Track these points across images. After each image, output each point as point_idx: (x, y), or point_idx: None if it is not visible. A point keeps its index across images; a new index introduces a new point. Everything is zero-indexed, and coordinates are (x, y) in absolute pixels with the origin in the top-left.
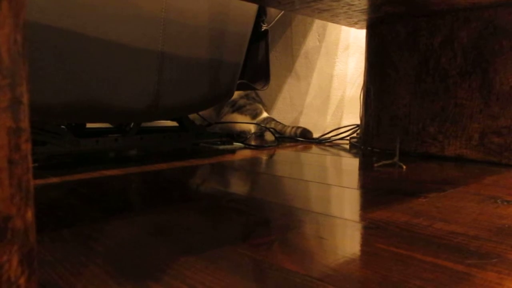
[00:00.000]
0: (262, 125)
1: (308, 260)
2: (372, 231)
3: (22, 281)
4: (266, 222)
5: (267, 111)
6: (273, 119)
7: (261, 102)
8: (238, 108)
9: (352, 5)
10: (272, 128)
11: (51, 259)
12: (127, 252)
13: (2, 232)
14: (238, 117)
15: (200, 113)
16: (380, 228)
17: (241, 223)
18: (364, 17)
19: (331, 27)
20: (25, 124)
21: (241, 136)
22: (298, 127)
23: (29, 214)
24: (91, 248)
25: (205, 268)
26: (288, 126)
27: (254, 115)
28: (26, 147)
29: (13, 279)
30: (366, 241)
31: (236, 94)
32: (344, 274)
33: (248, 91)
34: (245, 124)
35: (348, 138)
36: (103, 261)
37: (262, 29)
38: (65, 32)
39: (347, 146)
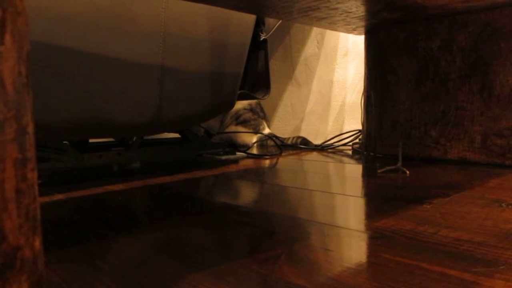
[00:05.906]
0: (263, 140)
1: (314, 273)
2: (377, 241)
3: None
4: (272, 235)
5: (269, 126)
6: (274, 135)
7: (265, 117)
8: (242, 122)
9: (350, 12)
10: (274, 137)
11: (59, 280)
12: (134, 270)
13: (11, 263)
14: (240, 131)
15: (202, 123)
16: (385, 237)
17: (247, 237)
18: (362, 23)
19: (330, 33)
20: (31, 153)
21: (244, 146)
22: (299, 137)
23: (37, 243)
24: (98, 267)
25: (212, 284)
26: (288, 138)
27: (257, 131)
28: (33, 175)
29: None
30: (372, 252)
31: (241, 106)
32: (350, 286)
33: (254, 105)
34: (247, 138)
35: (350, 144)
36: (110, 280)
37: (261, 39)
38: (66, 49)
39: (350, 152)
